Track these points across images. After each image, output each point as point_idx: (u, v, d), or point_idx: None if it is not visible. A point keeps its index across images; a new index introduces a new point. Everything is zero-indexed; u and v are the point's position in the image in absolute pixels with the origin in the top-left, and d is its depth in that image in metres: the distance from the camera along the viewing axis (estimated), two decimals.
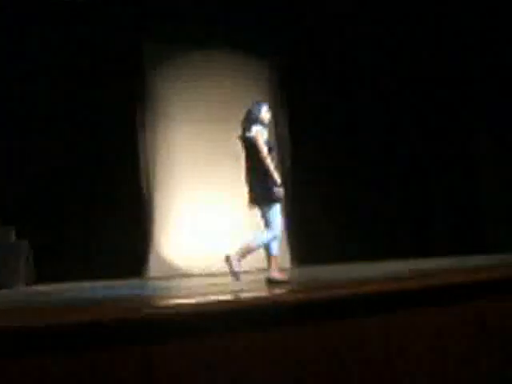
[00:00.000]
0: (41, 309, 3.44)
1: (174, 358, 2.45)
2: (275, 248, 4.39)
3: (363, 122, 9.02)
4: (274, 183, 4.28)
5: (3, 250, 6.86)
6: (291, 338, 2.64)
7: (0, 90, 7.60)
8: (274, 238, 4.34)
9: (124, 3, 8.01)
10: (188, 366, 2.47)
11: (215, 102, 8.54)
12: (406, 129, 9.08)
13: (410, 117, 9.09)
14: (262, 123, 4.52)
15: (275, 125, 9.20)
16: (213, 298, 3.09)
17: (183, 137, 8.39)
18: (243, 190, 8.67)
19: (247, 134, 4.48)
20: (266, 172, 4.31)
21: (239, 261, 4.32)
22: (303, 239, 8.61)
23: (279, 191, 4.28)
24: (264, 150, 4.34)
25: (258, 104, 4.65)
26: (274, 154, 4.50)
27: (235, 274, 4.32)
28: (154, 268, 7.80)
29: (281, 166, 4.62)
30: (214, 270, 7.63)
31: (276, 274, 4.34)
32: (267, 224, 4.40)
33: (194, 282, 5.63)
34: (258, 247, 4.42)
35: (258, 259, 8.15)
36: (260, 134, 4.41)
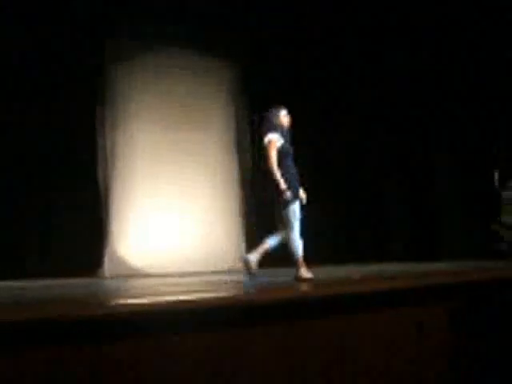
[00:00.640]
0: None
1: (125, 358, 2.44)
2: (300, 248, 4.49)
3: (323, 125, 9.12)
4: (282, 188, 4.39)
5: None
6: (239, 338, 2.66)
7: None
8: (293, 238, 4.45)
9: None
10: (138, 365, 2.46)
11: (177, 101, 8.52)
12: (364, 135, 9.25)
13: (367, 124, 9.26)
14: (279, 128, 4.61)
15: (237, 124, 9.24)
16: (162, 298, 3.08)
17: (144, 135, 8.30)
18: (203, 190, 8.72)
19: (262, 143, 4.60)
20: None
21: (255, 261, 4.53)
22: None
23: (287, 194, 4.38)
24: (272, 159, 4.45)
25: (275, 109, 4.72)
26: (290, 158, 4.64)
27: (251, 274, 4.52)
28: (110, 267, 7.67)
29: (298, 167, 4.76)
30: (171, 270, 7.62)
31: (304, 273, 4.47)
32: (284, 225, 4.53)
33: (150, 282, 5.59)
34: (273, 247, 4.60)
35: (226, 260, 8.25)
36: (273, 142, 4.51)
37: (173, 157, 8.39)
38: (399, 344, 3.02)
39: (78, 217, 7.71)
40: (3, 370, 2.23)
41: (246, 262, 4.56)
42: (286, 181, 4.43)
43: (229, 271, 8.05)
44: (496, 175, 7.43)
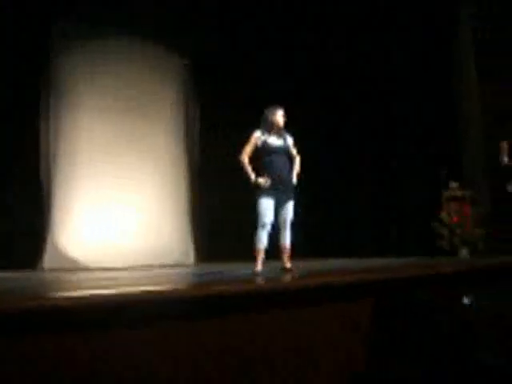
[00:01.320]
0: None
1: (57, 353, 2.39)
2: (258, 240, 4.66)
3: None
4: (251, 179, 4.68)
5: None
6: (183, 332, 2.65)
7: None
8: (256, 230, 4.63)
9: None
10: (71, 360, 2.42)
11: (124, 90, 8.35)
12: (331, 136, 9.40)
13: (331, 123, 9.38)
14: (268, 126, 4.82)
15: (186, 114, 9.15)
16: (96, 291, 3.02)
17: (88, 125, 8.07)
18: (147, 182, 8.55)
19: None
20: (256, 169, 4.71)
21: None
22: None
23: (258, 183, 4.63)
24: (243, 151, 4.74)
25: (272, 108, 4.89)
26: (275, 156, 4.81)
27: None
28: (50, 260, 7.48)
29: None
30: (112, 263, 7.45)
31: (256, 266, 4.63)
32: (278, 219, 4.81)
33: (90, 275, 5.49)
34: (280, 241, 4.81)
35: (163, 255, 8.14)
36: (252, 137, 4.80)
37: (118, 147, 8.20)
38: (328, 340, 3.07)
39: (21, 210, 7.49)
40: None
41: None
42: (264, 176, 4.65)
43: (175, 265, 8.00)
44: (443, 175, 7.63)
